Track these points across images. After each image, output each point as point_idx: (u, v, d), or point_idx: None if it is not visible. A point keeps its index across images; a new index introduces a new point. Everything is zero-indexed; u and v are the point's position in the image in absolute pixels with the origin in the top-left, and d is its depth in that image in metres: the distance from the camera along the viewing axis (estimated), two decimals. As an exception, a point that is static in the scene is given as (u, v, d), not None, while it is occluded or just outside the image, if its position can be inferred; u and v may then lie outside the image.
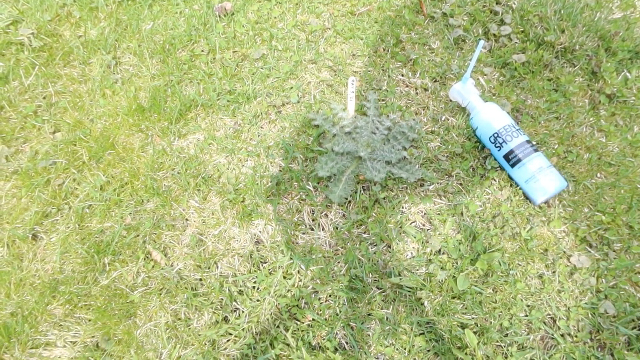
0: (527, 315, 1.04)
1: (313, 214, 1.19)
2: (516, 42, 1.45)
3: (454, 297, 1.06)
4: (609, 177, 1.21)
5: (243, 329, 1.05)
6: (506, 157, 1.16)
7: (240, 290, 1.10)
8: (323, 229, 1.17)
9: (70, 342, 1.08)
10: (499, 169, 1.21)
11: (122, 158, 1.31)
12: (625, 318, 1.01)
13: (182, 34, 1.55)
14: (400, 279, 1.08)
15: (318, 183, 1.22)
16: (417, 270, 1.09)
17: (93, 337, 1.08)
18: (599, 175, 1.22)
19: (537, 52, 1.42)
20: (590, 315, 1.03)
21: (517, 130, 1.17)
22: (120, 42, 1.57)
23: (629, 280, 1.07)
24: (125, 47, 1.56)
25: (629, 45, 1.41)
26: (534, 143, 1.19)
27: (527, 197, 1.17)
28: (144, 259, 1.16)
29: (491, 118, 1.20)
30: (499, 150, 1.18)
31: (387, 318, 1.05)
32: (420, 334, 1.03)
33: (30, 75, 1.51)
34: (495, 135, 1.17)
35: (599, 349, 1.00)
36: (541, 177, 1.12)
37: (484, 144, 1.23)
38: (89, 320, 1.10)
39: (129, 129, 1.36)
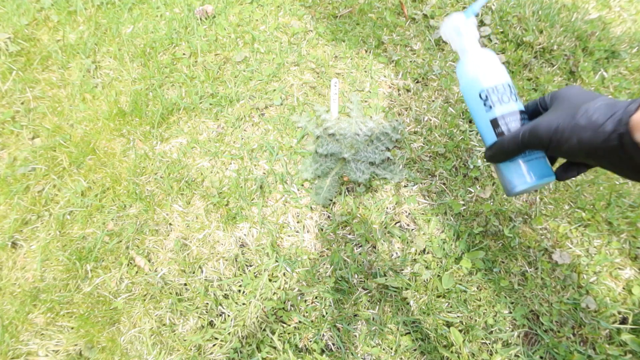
0: (511, 312, 1.05)
1: (298, 216, 1.18)
2: (496, 43, 1.47)
3: (439, 296, 1.07)
4: (588, 174, 1.23)
5: (229, 333, 1.05)
6: (494, 123, 0.81)
7: (225, 294, 1.09)
8: (308, 231, 1.17)
9: (53, 351, 1.06)
10: (480, 167, 1.22)
11: (103, 163, 1.30)
12: (606, 312, 1.03)
13: (163, 37, 1.53)
14: (386, 279, 1.08)
15: (302, 185, 1.22)
16: (403, 270, 1.10)
17: (76, 345, 1.06)
18: (578, 172, 1.24)
19: (516, 52, 1.44)
20: (572, 310, 1.05)
21: (512, 94, 0.85)
22: (100, 46, 1.55)
23: (609, 275, 1.09)
24: (105, 51, 1.54)
25: (605, 45, 1.44)
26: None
27: (502, 182, 0.78)
28: (127, 264, 1.14)
29: (485, 69, 0.86)
30: (488, 112, 0.83)
31: (373, 318, 1.05)
32: (407, 333, 1.04)
33: (8, 80, 1.48)
34: (485, 93, 0.83)
35: (581, 344, 1.01)
36: (526, 163, 0.79)
37: (467, 103, 0.78)
38: (72, 328, 1.08)
39: (110, 134, 1.34)
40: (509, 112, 0.77)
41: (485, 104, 0.78)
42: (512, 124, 0.77)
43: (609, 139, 0.46)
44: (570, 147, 0.50)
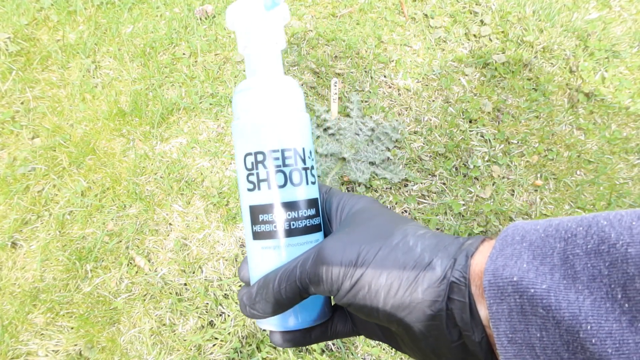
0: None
1: (298, 216, 1.18)
2: (496, 43, 1.47)
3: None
4: (588, 174, 1.23)
5: (229, 333, 1.05)
6: (254, 214, 0.37)
7: (225, 294, 1.09)
8: (308, 230, 1.16)
9: (53, 351, 1.06)
10: (480, 167, 1.22)
11: (103, 163, 1.29)
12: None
13: (162, 37, 1.53)
14: (386, 279, 1.08)
15: (302, 185, 1.22)
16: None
17: (76, 345, 1.06)
18: (578, 172, 1.24)
19: (516, 52, 1.44)
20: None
21: (307, 170, 0.37)
22: (99, 46, 1.55)
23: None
24: (105, 50, 1.54)
25: (606, 45, 1.44)
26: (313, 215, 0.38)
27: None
28: (127, 264, 1.14)
29: (270, 116, 0.37)
30: (250, 192, 0.37)
31: (373, 318, 1.05)
32: (407, 333, 1.04)
33: (8, 80, 1.48)
34: (253, 158, 0.37)
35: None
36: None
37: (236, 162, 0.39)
38: (72, 328, 1.08)
39: (110, 134, 1.34)
40: (289, 203, 0.36)
41: (248, 177, 0.37)
42: (289, 237, 0.36)
43: (435, 288, 0.28)
44: (373, 293, 0.29)
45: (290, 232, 0.35)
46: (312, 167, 0.38)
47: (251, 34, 0.38)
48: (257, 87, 0.37)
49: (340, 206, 0.36)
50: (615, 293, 0.22)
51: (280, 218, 0.35)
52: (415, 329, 0.29)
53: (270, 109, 0.36)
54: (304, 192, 0.36)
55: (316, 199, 0.38)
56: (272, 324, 0.36)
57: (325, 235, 0.38)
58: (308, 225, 0.36)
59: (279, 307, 0.33)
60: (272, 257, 0.35)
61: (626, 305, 0.22)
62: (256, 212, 0.36)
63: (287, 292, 0.32)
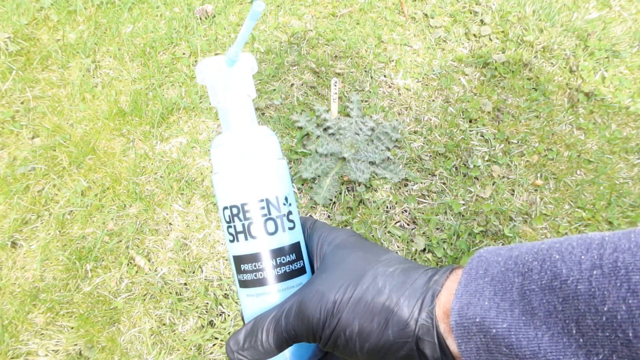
0: (511, 312, 1.05)
1: (298, 215, 1.18)
2: (496, 42, 1.47)
3: (439, 296, 1.07)
4: (588, 174, 1.23)
5: (229, 333, 1.05)
6: (237, 263, 0.39)
7: (225, 293, 1.09)
8: (308, 230, 1.16)
9: (53, 350, 1.06)
10: (481, 167, 1.22)
11: (103, 163, 1.29)
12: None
13: (162, 37, 1.53)
14: (386, 278, 1.08)
15: (302, 185, 1.22)
16: (403, 269, 1.10)
17: (76, 345, 1.06)
18: (578, 172, 1.24)
19: (516, 52, 1.44)
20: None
21: (285, 216, 0.38)
22: (99, 46, 1.55)
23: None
24: (105, 50, 1.54)
25: (606, 45, 1.44)
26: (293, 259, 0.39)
27: None
28: (127, 264, 1.14)
29: (246, 168, 0.38)
30: (231, 243, 0.39)
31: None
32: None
33: (8, 80, 1.48)
34: (229, 212, 0.38)
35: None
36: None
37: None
38: (72, 328, 1.08)
39: (110, 134, 1.34)
40: (268, 251, 0.37)
41: (228, 230, 0.38)
42: (276, 284, 0.38)
43: (404, 329, 0.29)
44: (349, 339, 0.31)
45: (273, 279, 0.36)
46: (290, 213, 0.38)
47: (222, 89, 0.38)
48: (230, 143, 0.38)
49: (320, 242, 0.38)
50: (570, 328, 0.23)
51: (261, 267, 0.36)
52: None
53: (243, 164, 0.37)
54: (281, 239, 0.37)
55: (296, 243, 0.38)
56: None
57: (313, 271, 0.39)
58: (288, 270, 0.37)
59: (268, 354, 0.34)
60: (257, 304, 0.37)
61: (581, 340, 0.23)
62: (238, 262, 0.38)
63: (274, 341, 0.33)
